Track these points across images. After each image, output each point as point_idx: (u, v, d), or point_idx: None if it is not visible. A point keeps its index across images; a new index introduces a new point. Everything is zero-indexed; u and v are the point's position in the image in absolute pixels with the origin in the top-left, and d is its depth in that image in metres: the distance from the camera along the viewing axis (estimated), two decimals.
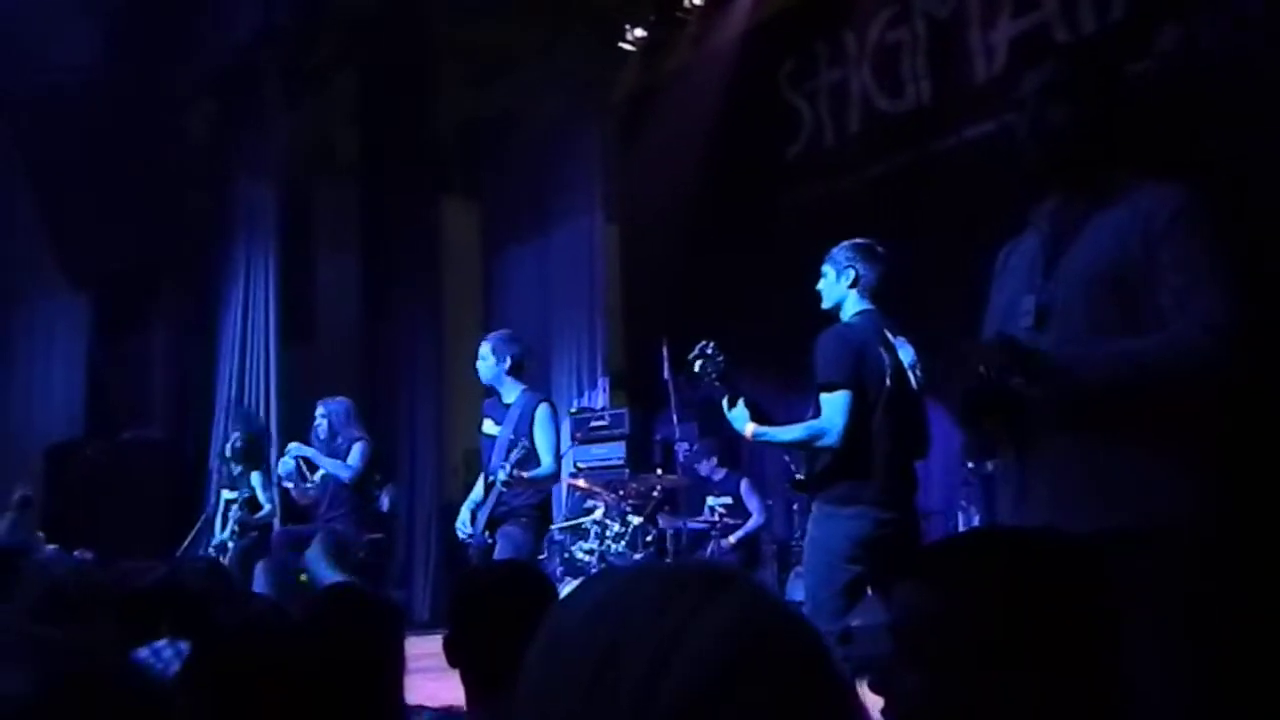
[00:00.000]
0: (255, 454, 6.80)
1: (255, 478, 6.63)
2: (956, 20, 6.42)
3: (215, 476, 6.88)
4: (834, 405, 3.27)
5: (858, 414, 3.27)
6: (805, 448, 3.38)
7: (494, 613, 1.98)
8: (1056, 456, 2.00)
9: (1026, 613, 1.08)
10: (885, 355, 3.37)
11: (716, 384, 3.62)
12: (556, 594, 2.19)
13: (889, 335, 3.44)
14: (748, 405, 3.52)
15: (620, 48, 8.51)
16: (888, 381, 3.33)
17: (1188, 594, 1.88)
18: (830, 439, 3.27)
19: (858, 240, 3.56)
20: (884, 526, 3.26)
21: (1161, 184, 2.06)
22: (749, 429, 3.49)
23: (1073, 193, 2.11)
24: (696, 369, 3.64)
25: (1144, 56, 5.33)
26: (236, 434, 6.85)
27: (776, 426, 3.50)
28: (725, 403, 3.58)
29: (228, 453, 6.62)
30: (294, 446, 6.07)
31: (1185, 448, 1.96)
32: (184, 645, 2.21)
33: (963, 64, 6.37)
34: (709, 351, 3.64)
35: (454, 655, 2.02)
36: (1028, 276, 2.14)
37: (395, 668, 1.76)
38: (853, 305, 3.48)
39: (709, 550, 6.32)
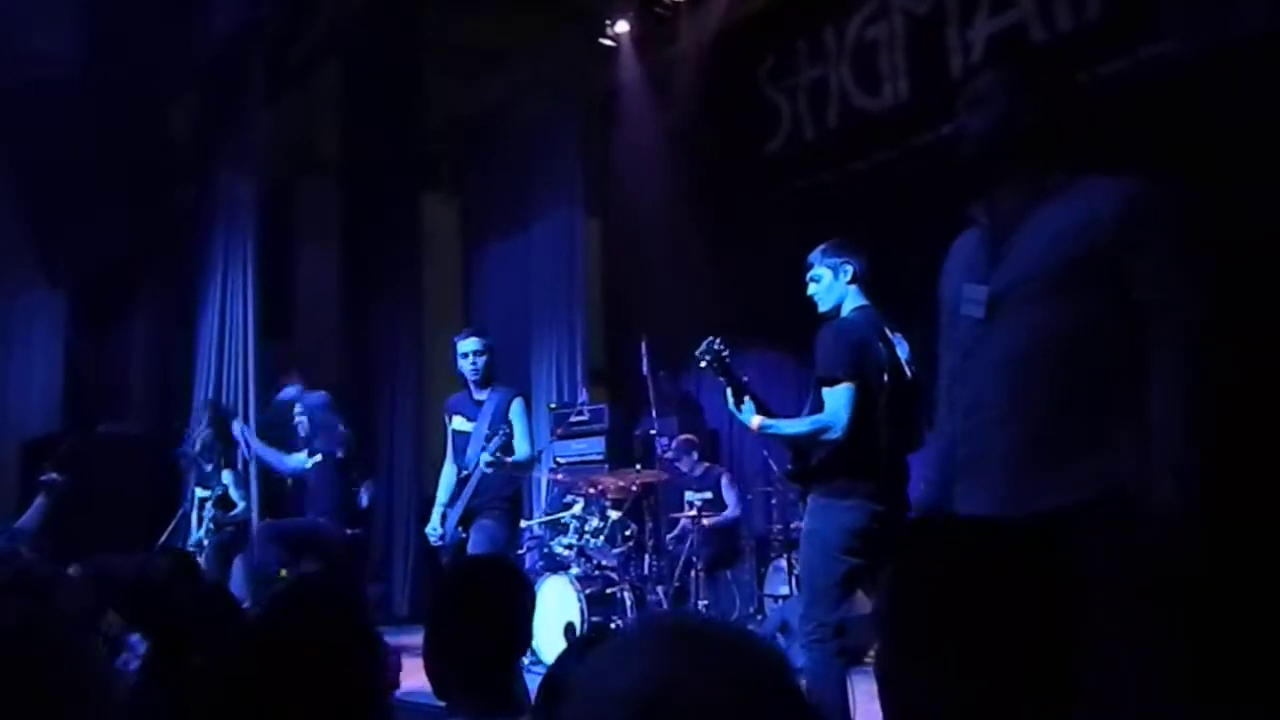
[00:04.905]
0: (224, 435, 6.74)
1: (226, 475, 6.59)
2: (934, 18, 6.46)
3: (190, 473, 6.81)
4: (838, 399, 3.31)
5: (860, 407, 3.31)
6: (811, 441, 3.40)
7: (472, 609, 1.96)
8: (1008, 445, 2.10)
9: (995, 595, 1.13)
10: (884, 350, 3.40)
11: (721, 378, 3.64)
12: (531, 586, 2.19)
13: (886, 331, 3.47)
14: (753, 400, 3.56)
15: (602, 43, 8.53)
16: (885, 376, 3.37)
17: (1148, 563, 1.94)
18: (835, 433, 3.31)
19: (833, 240, 3.58)
20: (878, 519, 3.29)
21: (1107, 181, 2.13)
22: (755, 422, 3.53)
23: (1009, 189, 2.22)
24: (703, 364, 3.66)
25: (1120, 57, 5.38)
26: (203, 429, 6.80)
27: (782, 420, 3.54)
28: (731, 398, 3.61)
29: (197, 447, 6.58)
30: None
31: (1122, 423, 2.03)
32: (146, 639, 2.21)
33: (940, 61, 6.40)
34: (716, 346, 3.66)
35: (434, 655, 1.95)
36: (974, 268, 2.25)
37: (365, 658, 1.76)
38: (852, 301, 3.52)
39: (687, 544, 6.34)
